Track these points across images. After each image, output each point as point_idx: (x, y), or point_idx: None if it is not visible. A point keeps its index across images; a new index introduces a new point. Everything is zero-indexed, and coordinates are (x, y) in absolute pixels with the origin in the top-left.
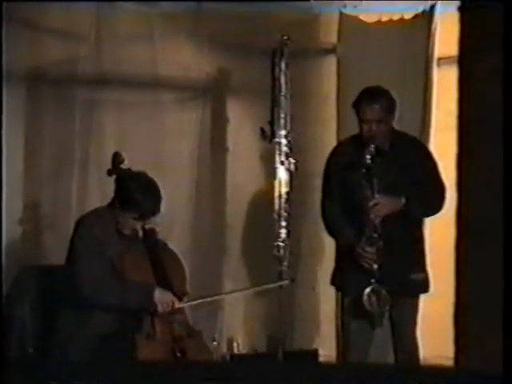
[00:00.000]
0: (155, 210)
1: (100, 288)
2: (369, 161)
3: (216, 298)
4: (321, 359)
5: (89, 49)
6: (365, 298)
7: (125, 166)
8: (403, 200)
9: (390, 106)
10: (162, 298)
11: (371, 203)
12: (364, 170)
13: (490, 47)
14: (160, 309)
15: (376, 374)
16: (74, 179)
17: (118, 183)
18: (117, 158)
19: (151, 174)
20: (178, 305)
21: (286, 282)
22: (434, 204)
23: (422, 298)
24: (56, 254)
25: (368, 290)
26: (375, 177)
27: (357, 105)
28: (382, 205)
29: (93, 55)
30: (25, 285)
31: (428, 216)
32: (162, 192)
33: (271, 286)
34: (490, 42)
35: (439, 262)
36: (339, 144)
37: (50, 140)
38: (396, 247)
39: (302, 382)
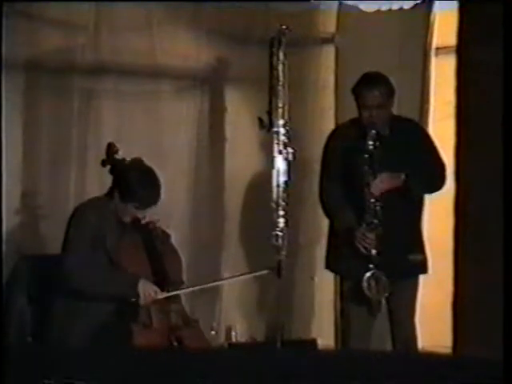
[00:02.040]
0: (156, 198)
1: (89, 277)
2: (371, 146)
3: (200, 287)
4: (319, 348)
5: (87, 38)
6: (364, 283)
7: (120, 156)
8: (403, 176)
9: (390, 91)
10: (145, 288)
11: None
12: (366, 156)
13: (488, 37)
14: (142, 300)
15: (375, 361)
16: (72, 169)
17: (116, 173)
18: (111, 148)
19: (149, 163)
20: (160, 296)
21: (264, 272)
22: (435, 180)
23: (421, 287)
24: (54, 244)
25: (368, 275)
26: (376, 162)
27: (356, 91)
28: (382, 180)
29: (91, 45)
30: (23, 274)
31: (428, 192)
32: (161, 181)
33: (252, 274)
34: (489, 32)
35: (438, 251)
36: (338, 127)
37: (48, 129)
38: (394, 229)
39: (300, 371)
